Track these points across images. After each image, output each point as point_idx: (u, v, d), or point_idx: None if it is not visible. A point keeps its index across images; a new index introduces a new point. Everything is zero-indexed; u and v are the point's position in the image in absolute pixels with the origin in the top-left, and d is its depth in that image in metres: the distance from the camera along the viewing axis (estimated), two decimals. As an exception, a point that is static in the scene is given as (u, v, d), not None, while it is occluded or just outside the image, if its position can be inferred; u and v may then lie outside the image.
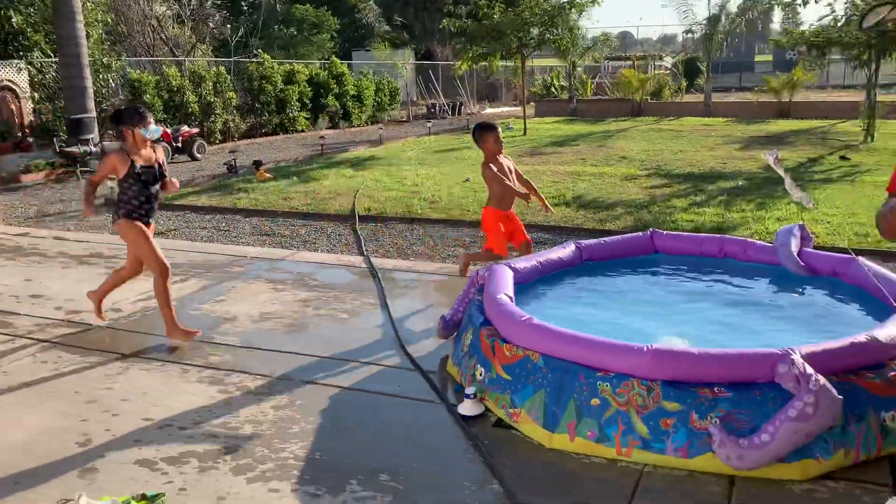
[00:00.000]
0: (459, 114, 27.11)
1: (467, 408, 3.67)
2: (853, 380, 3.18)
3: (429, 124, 21.30)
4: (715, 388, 3.12)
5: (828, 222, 8.10)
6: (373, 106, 24.84)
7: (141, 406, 3.87)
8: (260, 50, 23.22)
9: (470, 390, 3.68)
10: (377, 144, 17.70)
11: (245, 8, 34.37)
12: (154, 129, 4.62)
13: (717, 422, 3.05)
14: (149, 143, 4.68)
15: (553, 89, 30.28)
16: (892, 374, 3.23)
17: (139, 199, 4.66)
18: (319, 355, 4.49)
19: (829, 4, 16.48)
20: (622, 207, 9.32)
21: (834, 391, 2.97)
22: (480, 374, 3.78)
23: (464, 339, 4.13)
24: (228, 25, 29.72)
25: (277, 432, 3.57)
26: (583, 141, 17.21)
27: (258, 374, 4.24)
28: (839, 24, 16.11)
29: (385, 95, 25.44)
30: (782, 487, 3.00)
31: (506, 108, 29.81)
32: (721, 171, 12.14)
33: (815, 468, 3.04)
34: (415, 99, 30.49)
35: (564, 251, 5.06)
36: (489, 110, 29.24)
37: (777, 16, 23.95)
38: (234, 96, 19.64)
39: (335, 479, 3.14)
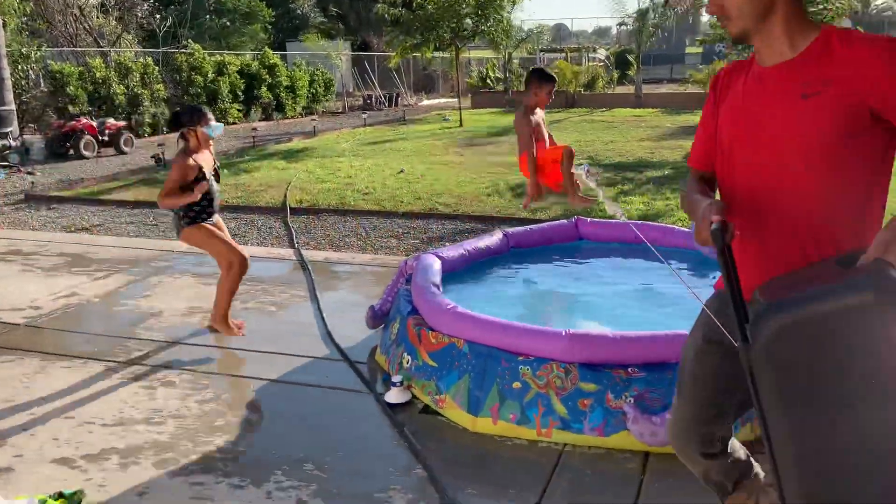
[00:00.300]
0: (396, 105, 27.08)
1: (394, 396, 3.71)
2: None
3: (364, 115, 21.23)
4: (629, 369, 3.24)
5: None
6: (307, 97, 24.59)
7: (61, 404, 3.79)
8: (190, 41, 22.69)
9: (397, 378, 3.72)
10: (311, 136, 17.55)
11: (174, -3, 33.50)
12: (217, 127, 4.40)
13: (632, 401, 3.17)
14: (211, 143, 4.47)
15: (489, 81, 30.48)
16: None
17: (203, 202, 4.41)
18: (246, 348, 4.46)
19: None
20: (554, 197, 9.47)
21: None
22: (407, 362, 3.83)
23: (391, 328, 4.17)
24: (157, 15, 28.93)
25: (202, 426, 3.54)
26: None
27: (183, 369, 4.19)
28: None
29: (320, 87, 25.22)
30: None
31: (443, 100, 29.89)
32: (649, 160, 12.45)
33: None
34: (351, 90, 30.29)
35: (492, 239, 5.14)
36: (426, 102, 29.28)
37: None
38: (163, 88, 19.17)
39: (259, 471, 3.15)
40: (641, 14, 24.54)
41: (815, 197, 1.76)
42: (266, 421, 3.62)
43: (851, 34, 1.73)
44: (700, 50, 50.36)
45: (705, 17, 27.98)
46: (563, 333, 3.30)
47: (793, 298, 1.54)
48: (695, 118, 20.00)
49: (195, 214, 4.42)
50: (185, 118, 4.39)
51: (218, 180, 4.58)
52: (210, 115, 4.43)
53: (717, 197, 1.96)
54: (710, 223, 1.69)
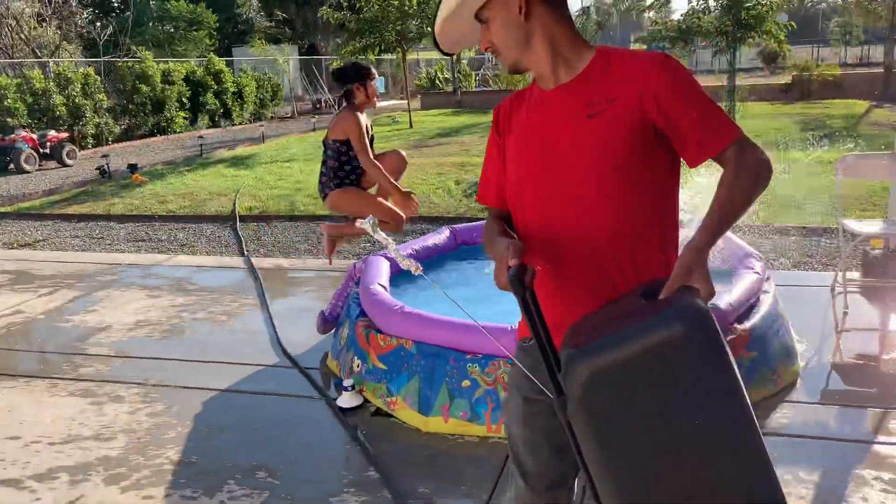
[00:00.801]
0: (345, 109, 26.96)
1: (346, 400, 3.73)
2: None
3: (314, 120, 21.10)
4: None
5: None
6: (255, 103, 24.35)
7: (5, 424, 3.72)
8: (140, 48, 22.25)
9: (348, 382, 3.75)
10: (260, 142, 17.39)
11: (115, 4, 32.86)
12: (380, 80, 4.31)
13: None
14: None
15: (438, 82, 30.56)
16: (731, 338, 3.53)
17: (353, 163, 4.33)
18: (197, 359, 4.44)
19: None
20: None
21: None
22: (357, 366, 3.86)
23: (341, 333, 4.19)
24: (98, 24, 28.33)
25: (153, 439, 3.52)
26: (468, 132, 17.49)
27: (132, 383, 4.15)
28: (698, 15, 17.04)
29: (267, 92, 25.00)
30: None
31: (393, 102, 29.85)
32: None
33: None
34: (300, 94, 30.07)
35: (439, 237, 5.21)
36: (376, 104, 29.24)
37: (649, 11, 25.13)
38: (106, 98, 18.79)
39: (212, 480, 3.14)
40: (584, 11, 24.89)
41: (612, 224, 1.67)
42: (218, 431, 3.61)
43: (626, 52, 1.70)
44: (644, 47, 51.33)
45: (648, 14, 28.47)
46: (510, 328, 3.36)
47: (601, 343, 1.43)
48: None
49: (344, 175, 4.37)
50: (353, 73, 4.31)
51: (372, 142, 4.49)
52: (373, 69, 4.40)
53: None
54: (507, 267, 1.56)
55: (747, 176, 1.60)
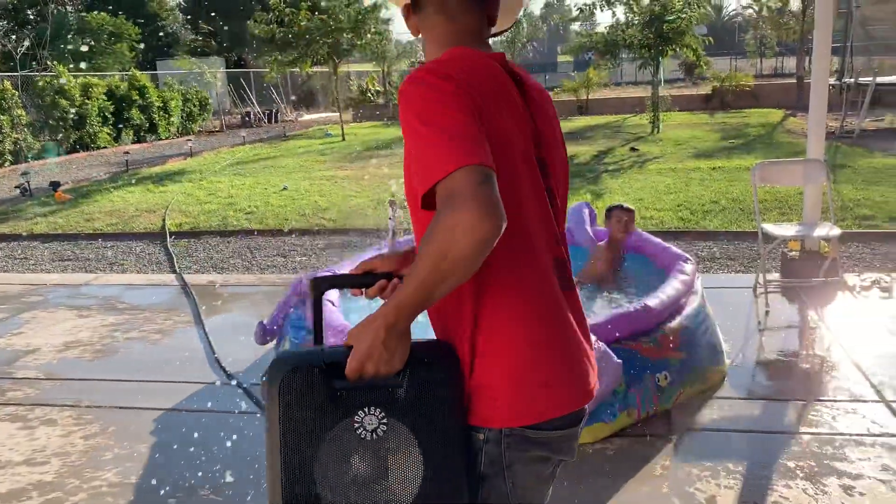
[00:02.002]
0: (276, 121, 26.69)
1: (287, 413, 3.71)
2: (631, 346, 3.58)
3: (243, 133, 20.83)
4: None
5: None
6: (182, 117, 23.86)
7: (-71, 454, 3.57)
8: (56, 62, 21.53)
9: (289, 396, 3.73)
10: (188, 157, 17.07)
11: (31, 17, 31.75)
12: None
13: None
14: None
15: (370, 95, 30.56)
16: (661, 336, 3.68)
17: None
18: (131, 379, 4.35)
19: (614, 13, 17.86)
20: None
21: (614, 357, 3.34)
22: (298, 379, 3.84)
23: (282, 349, 4.18)
24: (13, 36, 27.32)
25: (89, 461, 3.44)
26: (401, 144, 17.53)
27: (64, 406, 4.04)
28: (622, 28, 17.57)
29: (194, 106, 24.54)
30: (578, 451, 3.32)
31: (325, 115, 29.72)
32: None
33: (605, 430, 3.40)
34: (228, 108, 29.62)
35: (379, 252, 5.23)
36: (307, 116, 29.02)
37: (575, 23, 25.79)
38: (24, 114, 18.14)
39: (153, 500, 3.09)
40: (515, 25, 25.32)
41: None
42: (156, 451, 3.55)
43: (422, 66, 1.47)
44: (570, 59, 52.46)
45: (574, 27, 29.17)
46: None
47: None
48: (568, 125, 20.78)
49: None
50: None
51: None
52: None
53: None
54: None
55: (434, 237, 1.25)
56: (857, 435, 3.38)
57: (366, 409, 1.36)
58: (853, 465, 3.13)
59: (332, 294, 4.26)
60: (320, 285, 1.55)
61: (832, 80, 17.24)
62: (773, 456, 3.23)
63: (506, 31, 1.79)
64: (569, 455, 1.59)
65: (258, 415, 3.83)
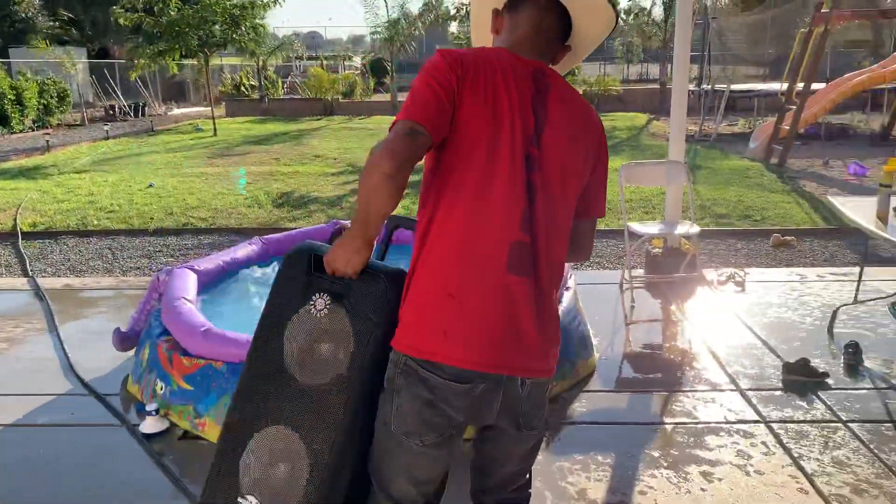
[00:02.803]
0: (143, 115, 25.41)
1: (150, 425, 3.51)
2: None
3: (106, 127, 19.68)
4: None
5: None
6: (37, 110, 22.25)
7: None
8: None
9: (151, 407, 3.53)
10: (45, 152, 15.93)
11: None
12: None
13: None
14: None
15: (243, 88, 29.62)
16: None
17: None
18: (-27, 393, 3.98)
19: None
20: (316, 205, 9.49)
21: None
22: (161, 389, 3.64)
23: (142, 355, 3.94)
24: None
25: (-81, 488, 3.11)
26: (276, 140, 17.12)
27: None
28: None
29: (52, 97, 22.93)
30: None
31: (195, 108, 28.54)
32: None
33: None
34: (90, 100, 27.89)
35: (249, 248, 5.06)
36: (177, 111, 27.79)
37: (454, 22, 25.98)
38: None
39: (-6, 527, 2.84)
40: (392, 24, 25.26)
41: None
42: (7, 469, 3.25)
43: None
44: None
45: (452, 28, 29.44)
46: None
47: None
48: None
49: None
50: None
51: None
52: None
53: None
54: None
55: (364, 168, 1.63)
56: (716, 423, 3.56)
57: (320, 294, 1.83)
58: (712, 451, 3.29)
59: (190, 292, 4.07)
60: (390, 223, 2.19)
61: (692, 87, 18.32)
62: (639, 446, 3.35)
63: (568, 70, 2.09)
64: (461, 415, 1.72)
65: (118, 426, 3.60)
